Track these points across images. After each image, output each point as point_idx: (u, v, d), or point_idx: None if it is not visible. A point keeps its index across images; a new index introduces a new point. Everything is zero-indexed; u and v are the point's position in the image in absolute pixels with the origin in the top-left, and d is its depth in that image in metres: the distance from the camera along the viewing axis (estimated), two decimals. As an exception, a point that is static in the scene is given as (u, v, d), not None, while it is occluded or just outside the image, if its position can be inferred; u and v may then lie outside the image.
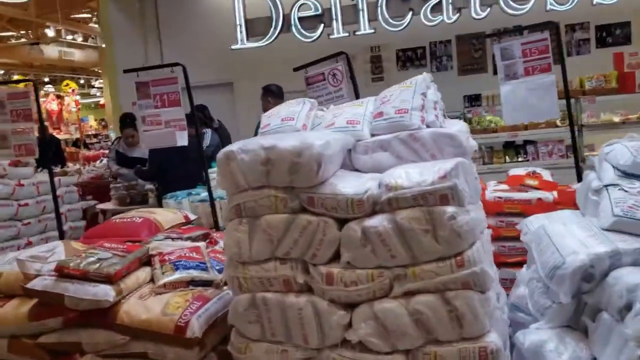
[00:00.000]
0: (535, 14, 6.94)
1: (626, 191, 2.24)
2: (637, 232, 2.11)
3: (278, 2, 7.64)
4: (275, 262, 2.06)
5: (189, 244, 2.60)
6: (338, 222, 2.00)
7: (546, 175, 3.76)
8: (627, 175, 2.33)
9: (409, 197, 1.89)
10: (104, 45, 14.89)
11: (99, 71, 19.22)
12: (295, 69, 3.83)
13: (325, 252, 1.99)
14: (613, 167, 2.40)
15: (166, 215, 3.13)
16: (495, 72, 8.01)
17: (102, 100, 21.45)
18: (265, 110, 5.49)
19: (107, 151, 8.90)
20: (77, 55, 17.49)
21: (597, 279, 2.07)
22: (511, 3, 6.91)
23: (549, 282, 2.16)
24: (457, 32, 7.97)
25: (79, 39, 15.75)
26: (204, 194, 3.84)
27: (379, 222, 1.92)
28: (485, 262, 1.96)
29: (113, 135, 10.07)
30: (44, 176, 5.19)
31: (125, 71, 3.55)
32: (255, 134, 5.48)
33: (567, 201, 3.06)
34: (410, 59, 8.33)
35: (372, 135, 2.26)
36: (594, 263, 2.05)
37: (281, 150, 1.99)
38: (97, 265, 2.23)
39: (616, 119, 6.26)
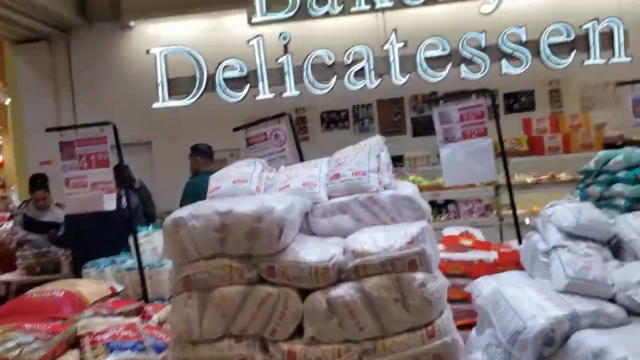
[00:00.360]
0: (450, 82, 7.34)
1: (574, 253, 2.28)
2: (590, 294, 2.14)
3: (202, 62, 7.56)
4: (229, 340, 1.87)
5: (121, 320, 2.32)
6: (300, 293, 1.85)
7: (478, 234, 3.83)
8: (572, 236, 2.39)
9: (377, 263, 1.80)
10: (7, 102, 14.04)
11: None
12: (235, 129, 3.71)
13: (287, 327, 1.83)
14: (557, 228, 2.45)
15: (90, 287, 2.83)
16: (414, 134, 8.40)
17: None
18: (193, 170, 5.28)
19: (7, 214, 8.19)
20: (-29, 110, 16.28)
21: (558, 343, 2.06)
22: (429, 70, 7.26)
23: (510, 347, 2.12)
24: (378, 96, 8.24)
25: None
26: (130, 262, 3.54)
27: (345, 291, 1.80)
28: (454, 329, 1.89)
29: (15, 197, 9.32)
30: None
31: (47, 130, 3.27)
32: (184, 195, 5.23)
33: (507, 262, 3.10)
34: (334, 120, 8.48)
35: (329, 197, 2.16)
36: (554, 327, 2.04)
37: (238, 215, 1.85)
38: (17, 351, 1.92)
39: (529, 180, 6.61)
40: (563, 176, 6.53)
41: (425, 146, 7.62)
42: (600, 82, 7.32)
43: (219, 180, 2.25)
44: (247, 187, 2.18)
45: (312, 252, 1.87)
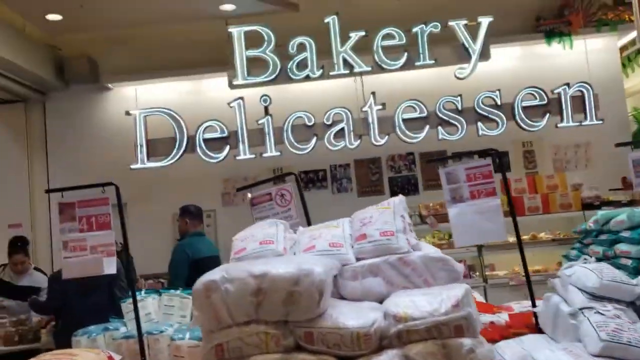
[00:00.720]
0: (427, 143, 7.52)
1: (602, 314, 2.26)
2: (625, 357, 2.10)
3: (182, 124, 7.54)
4: (266, 413, 1.75)
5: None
6: (339, 360, 1.77)
7: (478, 296, 3.80)
8: (596, 297, 2.37)
9: (422, 328, 1.74)
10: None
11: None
12: (239, 189, 3.65)
13: (327, 397, 1.74)
14: (579, 289, 2.44)
15: (88, 356, 2.64)
16: (392, 194, 8.44)
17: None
18: (181, 231, 5.14)
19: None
20: None
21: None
22: (407, 132, 7.41)
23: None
24: (356, 156, 8.31)
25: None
26: (124, 329, 3.35)
27: (389, 358, 1.73)
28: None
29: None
30: None
31: (47, 191, 3.15)
32: (174, 258, 5.04)
33: (518, 324, 3.06)
34: (312, 180, 8.49)
35: (357, 259, 2.11)
36: (596, 391, 1.99)
37: (275, 277, 1.77)
38: None
39: (511, 240, 6.67)
40: (543, 236, 6.63)
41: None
42: (572, 144, 7.61)
43: (243, 241, 2.18)
44: (274, 248, 2.11)
45: (351, 317, 1.80)
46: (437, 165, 3.16)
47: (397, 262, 2.04)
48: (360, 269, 2.05)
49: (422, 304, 1.78)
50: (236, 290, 1.78)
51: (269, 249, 2.10)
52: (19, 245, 5.28)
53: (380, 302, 1.99)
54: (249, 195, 3.38)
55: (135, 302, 3.10)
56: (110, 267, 3.08)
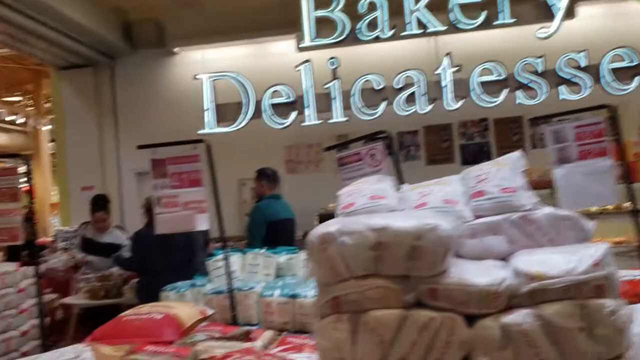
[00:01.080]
0: (502, 108, 7.21)
1: None
2: None
3: (250, 89, 7.51)
4: (387, 369, 1.67)
5: (238, 345, 2.14)
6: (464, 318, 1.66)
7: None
8: None
9: (559, 288, 1.60)
10: (42, 128, 14.16)
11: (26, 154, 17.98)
12: (327, 149, 3.57)
13: (453, 356, 1.64)
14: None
15: (184, 309, 2.66)
16: (463, 163, 8.15)
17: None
18: (258, 194, 5.13)
19: (50, 238, 8.10)
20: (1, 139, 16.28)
21: None
22: (482, 97, 7.11)
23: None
24: (425, 122, 8.07)
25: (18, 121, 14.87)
26: (210, 286, 3.37)
27: (522, 318, 1.60)
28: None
29: (57, 222, 9.30)
30: (6, 266, 4.38)
31: (139, 147, 3.16)
32: (252, 219, 5.04)
33: (628, 291, 2.87)
34: (379, 147, 8.32)
35: (474, 216, 1.98)
36: None
37: (397, 231, 1.67)
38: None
39: (593, 209, 6.34)
40: (629, 206, 6.24)
41: (477, 174, 7.40)
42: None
43: (350, 196, 2.08)
44: (386, 203, 2.00)
45: (477, 274, 1.68)
46: (543, 123, 2.96)
47: (520, 221, 1.89)
48: (479, 227, 1.92)
49: (557, 262, 1.64)
50: (354, 244, 1.68)
51: (381, 203, 1.99)
52: (100, 204, 5.46)
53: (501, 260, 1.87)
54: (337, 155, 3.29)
55: (226, 258, 3.09)
56: (202, 223, 3.08)
